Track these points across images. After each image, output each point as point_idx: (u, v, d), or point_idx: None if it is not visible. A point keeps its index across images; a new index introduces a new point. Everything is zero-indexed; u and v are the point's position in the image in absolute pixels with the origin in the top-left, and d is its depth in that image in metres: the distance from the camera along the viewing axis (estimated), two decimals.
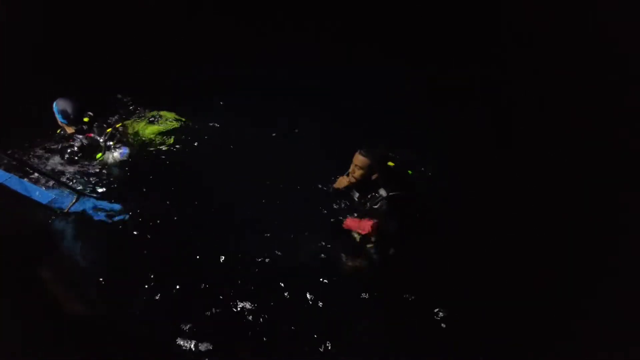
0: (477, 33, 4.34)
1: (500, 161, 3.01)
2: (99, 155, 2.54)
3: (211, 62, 4.07)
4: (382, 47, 4.28)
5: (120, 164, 2.59)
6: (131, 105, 3.18)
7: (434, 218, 2.39)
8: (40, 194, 2.25)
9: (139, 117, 2.96)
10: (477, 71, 4.02)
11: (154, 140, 2.85)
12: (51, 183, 2.36)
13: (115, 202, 2.38)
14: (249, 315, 1.96)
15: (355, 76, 3.86)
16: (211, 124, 3.21)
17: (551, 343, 1.89)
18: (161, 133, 2.89)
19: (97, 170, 2.57)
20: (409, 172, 2.34)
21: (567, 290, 2.10)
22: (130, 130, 2.78)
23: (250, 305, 1.99)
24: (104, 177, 2.54)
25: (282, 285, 2.09)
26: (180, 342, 1.85)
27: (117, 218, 2.29)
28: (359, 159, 2.08)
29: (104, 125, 2.60)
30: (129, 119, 2.91)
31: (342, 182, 2.29)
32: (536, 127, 3.38)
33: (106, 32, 4.05)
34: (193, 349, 1.83)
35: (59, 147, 2.50)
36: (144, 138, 2.81)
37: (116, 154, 2.57)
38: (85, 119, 2.54)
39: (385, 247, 2.13)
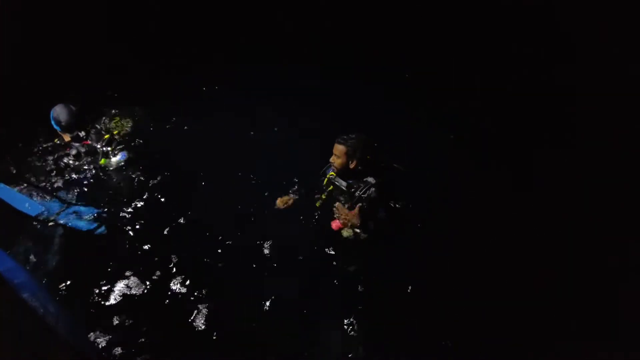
0: (476, 32, 4.34)
1: (500, 160, 3.01)
2: (102, 160, 2.52)
3: (210, 62, 4.07)
4: (382, 47, 4.28)
5: (119, 167, 2.57)
6: (128, 107, 3.17)
7: (433, 217, 2.39)
8: (30, 205, 2.22)
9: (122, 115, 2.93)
10: (477, 71, 4.02)
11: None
12: (41, 193, 2.33)
13: (107, 208, 2.36)
14: (247, 317, 1.96)
15: (355, 76, 3.86)
16: (211, 124, 3.21)
17: (551, 343, 1.89)
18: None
19: (93, 176, 2.51)
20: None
21: (567, 290, 2.10)
22: (126, 126, 2.76)
23: (247, 307, 2.00)
24: (100, 184, 2.50)
25: (280, 285, 2.09)
26: (181, 343, 1.85)
27: (94, 226, 2.27)
28: (335, 147, 2.11)
29: (102, 132, 2.59)
30: (118, 118, 2.88)
31: (281, 202, 2.32)
32: (535, 126, 3.38)
33: (106, 31, 4.05)
34: (194, 350, 1.83)
35: (55, 155, 2.47)
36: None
37: (115, 159, 2.55)
38: (88, 128, 2.53)
39: (377, 235, 2.15)
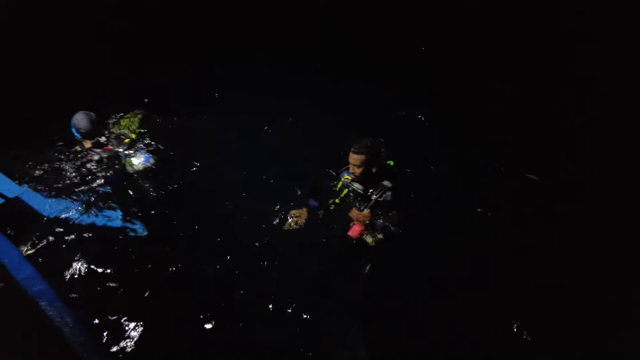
0: (477, 32, 4.34)
1: (500, 161, 3.01)
2: (127, 162, 2.51)
3: (210, 62, 4.08)
4: (383, 46, 4.29)
5: (143, 169, 2.56)
6: (128, 107, 3.15)
7: (434, 217, 2.39)
8: (50, 207, 2.23)
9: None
10: (478, 71, 4.02)
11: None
12: (63, 198, 2.33)
13: (128, 211, 2.36)
14: (247, 317, 1.96)
15: (356, 76, 3.86)
16: (211, 124, 3.21)
17: (551, 343, 1.90)
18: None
19: (115, 179, 2.49)
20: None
21: (567, 290, 2.10)
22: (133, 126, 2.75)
23: (248, 307, 2.00)
24: (122, 187, 2.49)
25: (281, 286, 2.09)
26: (183, 344, 1.85)
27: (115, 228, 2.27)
28: (354, 157, 2.07)
29: (122, 136, 2.58)
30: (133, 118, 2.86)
31: (302, 217, 2.25)
32: (535, 126, 3.38)
33: (106, 31, 4.05)
34: (195, 351, 1.83)
35: (78, 162, 2.47)
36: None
37: (138, 161, 2.54)
38: (107, 134, 2.53)
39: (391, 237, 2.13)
